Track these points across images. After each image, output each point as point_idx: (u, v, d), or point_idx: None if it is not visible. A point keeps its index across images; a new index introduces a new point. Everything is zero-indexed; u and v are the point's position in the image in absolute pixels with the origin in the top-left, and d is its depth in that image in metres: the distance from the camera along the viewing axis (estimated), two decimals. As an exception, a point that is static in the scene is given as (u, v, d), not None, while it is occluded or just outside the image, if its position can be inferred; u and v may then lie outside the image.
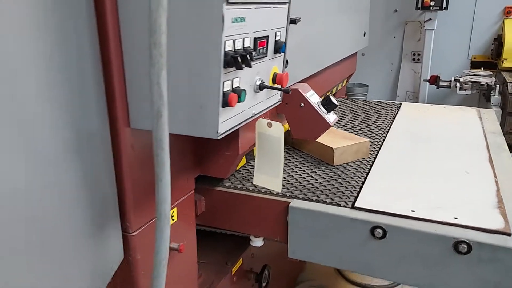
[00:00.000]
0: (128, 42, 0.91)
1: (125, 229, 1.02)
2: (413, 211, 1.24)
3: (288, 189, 1.39)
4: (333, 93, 2.60)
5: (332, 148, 1.63)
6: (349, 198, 1.35)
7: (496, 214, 1.23)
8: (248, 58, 0.90)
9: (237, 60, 0.87)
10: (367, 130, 2.07)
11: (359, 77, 3.80)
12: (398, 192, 1.38)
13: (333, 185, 1.45)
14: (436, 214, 1.22)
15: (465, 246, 1.12)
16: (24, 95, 0.73)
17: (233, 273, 1.66)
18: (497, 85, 2.94)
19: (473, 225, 1.17)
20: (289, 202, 1.32)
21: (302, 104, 1.46)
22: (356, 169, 1.60)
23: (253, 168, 1.58)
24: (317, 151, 1.72)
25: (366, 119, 2.27)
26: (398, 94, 4.01)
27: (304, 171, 1.57)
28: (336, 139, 1.69)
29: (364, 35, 2.69)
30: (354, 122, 2.21)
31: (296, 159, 1.71)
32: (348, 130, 2.04)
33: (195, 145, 1.26)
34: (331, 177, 1.52)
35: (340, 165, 1.65)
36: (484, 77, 3.14)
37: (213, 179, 1.44)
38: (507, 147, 1.85)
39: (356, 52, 2.73)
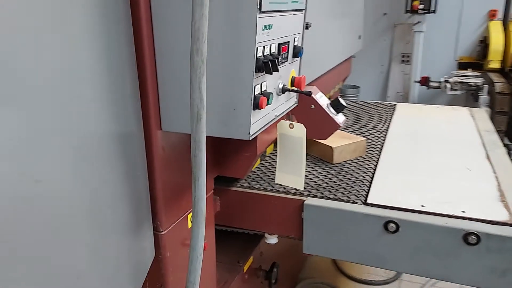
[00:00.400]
0: (161, 50, 0.95)
1: (155, 228, 1.06)
2: (422, 205, 1.31)
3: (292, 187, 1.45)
4: (330, 95, 2.67)
5: (331, 147, 1.70)
6: (355, 194, 1.41)
7: (500, 207, 1.31)
8: (276, 63, 0.96)
9: (268, 65, 0.92)
10: (367, 130, 2.15)
11: (350, 78, 3.88)
12: (406, 188, 1.45)
13: (335, 181, 1.52)
14: (444, 208, 1.29)
15: (474, 238, 1.19)
16: (81, 96, 0.78)
17: (244, 271, 1.71)
18: (485, 85, 3.05)
19: (481, 217, 1.24)
20: (304, 200, 1.38)
21: (313, 106, 1.51)
22: (355, 167, 1.67)
23: (264, 168, 1.64)
24: (316, 150, 1.78)
25: (364, 120, 2.35)
26: (389, 95, 4.11)
27: (305, 169, 1.62)
28: (335, 139, 1.75)
29: (359, 38, 2.77)
30: (352, 123, 2.28)
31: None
32: (347, 131, 2.11)
33: (214, 147, 1.31)
34: (332, 174, 1.59)
35: (339, 163, 1.72)
36: (473, 77, 3.26)
37: (227, 180, 1.49)
38: (501, 144, 1.95)
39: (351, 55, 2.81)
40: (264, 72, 0.94)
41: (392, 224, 1.26)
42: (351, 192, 1.42)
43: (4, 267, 0.67)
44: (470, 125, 2.24)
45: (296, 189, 1.40)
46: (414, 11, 3.62)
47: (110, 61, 0.84)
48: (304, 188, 1.44)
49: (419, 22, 3.74)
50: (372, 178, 1.56)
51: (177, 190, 1.11)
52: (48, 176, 0.74)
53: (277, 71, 0.97)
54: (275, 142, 1.76)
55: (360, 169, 1.64)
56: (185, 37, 0.92)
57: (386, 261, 1.31)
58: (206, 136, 1.04)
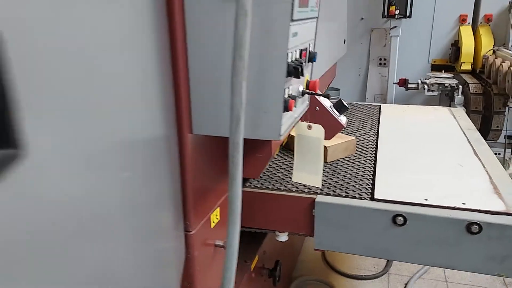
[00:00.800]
0: (194, 56, 0.99)
1: (185, 228, 1.10)
2: (426, 199, 1.40)
3: (293, 185, 1.52)
4: (318, 97, 2.75)
5: (325, 146, 1.78)
6: (353, 190, 1.49)
7: (496, 199, 1.42)
8: (302, 68, 1.02)
9: (298, 70, 0.98)
10: (356, 130, 2.24)
11: (330, 81, 3.99)
12: (407, 184, 1.53)
13: (331, 179, 1.59)
14: (446, 201, 1.39)
15: (477, 227, 1.29)
16: (129, 100, 0.81)
17: (252, 270, 1.76)
18: (460, 86, 3.24)
19: (481, 208, 1.34)
20: (314, 198, 1.44)
21: (317, 107, 1.58)
22: (348, 165, 1.76)
23: (272, 169, 1.69)
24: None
25: (352, 120, 2.44)
26: (367, 97, 4.26)
27: None
28: None
29: (344, 42, 2.88)
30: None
31: (292, 157, 1.83)
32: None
33: (229, 149, 1.35)
34: (328, 172, 1.67)
35: (332, 161, 1.80)
36: (447, 79, 3.44)
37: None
38: (484, 141, 2.08)
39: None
40: (293, 77, 1.00)
41: (400, 218, 1.35)
42: (348, 188, 1.50)
43: (56, 265, 0.69)
44: (453, 123, 2.38)
45: (299, 187, 1.47)
46: (391, 16, 3.79)
47: (154, 65, 0.88)
48: (304, 185, 1.51)
49: (395, 26, 3.91)
50: (373, 175, 1.64)
51: (203, 191, 1.15)
52: (94, 178, 0.76)
53: (303, 75, 1.03)
54: (280, 144, 1.83)
55: (353, 167, 1.72)
56: (217, 43, 0.97)
57: (395, 253, 1.39)
58: (223, 139, 1.09)
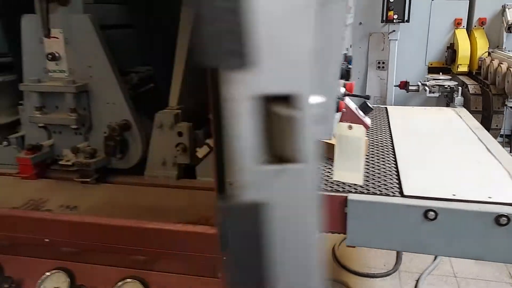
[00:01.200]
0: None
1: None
2: (454, 194, 1.47)
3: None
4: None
5: None
6: (384, 187, 1.55)
7: (519, 192, 1.50)
8: (350, 71, 1.08)
9: (348, 72, 1.04)
10: (369, 130, 2.30)
11: (332, 85, 4.06)
12: (432, 180, 1.60)
13: None
14: (473, 196, 1.46)
15: (505, 219, 1.36)
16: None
17: (280, 269, 1.80)
18: (459, 88, 3.34)
19: (507, 201, 1.41)
20: (346, 196, 1.50)
21: (344, 109, 1.64)
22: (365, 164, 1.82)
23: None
24: (325, 150, 1.92)
25: (365, 122, 2.52)
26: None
27: (323, 168, 1.74)
28: None
29: (350, 47, 2.95)
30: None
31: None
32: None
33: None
34: None
35: None
36: (447, 81, 3.55)
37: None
38: (493, 139, 2.17)
39: (343, 62, 2.99)
40: (344, 79, 1.06)
41: (431, 213, 1.41)
42: (368, 186, 1.55)
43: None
44: (461, 123, 2.47)
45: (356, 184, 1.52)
46: (389, 21, 3.90)
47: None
48: (326, 184, 1.56)
49: (393, 31, 4.02)
50: (396, 173, 1.71)
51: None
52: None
53: (350, 77, 1.09)
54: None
55: (368, 166, 1.77)
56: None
57: (427, 247, 1.45)
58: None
